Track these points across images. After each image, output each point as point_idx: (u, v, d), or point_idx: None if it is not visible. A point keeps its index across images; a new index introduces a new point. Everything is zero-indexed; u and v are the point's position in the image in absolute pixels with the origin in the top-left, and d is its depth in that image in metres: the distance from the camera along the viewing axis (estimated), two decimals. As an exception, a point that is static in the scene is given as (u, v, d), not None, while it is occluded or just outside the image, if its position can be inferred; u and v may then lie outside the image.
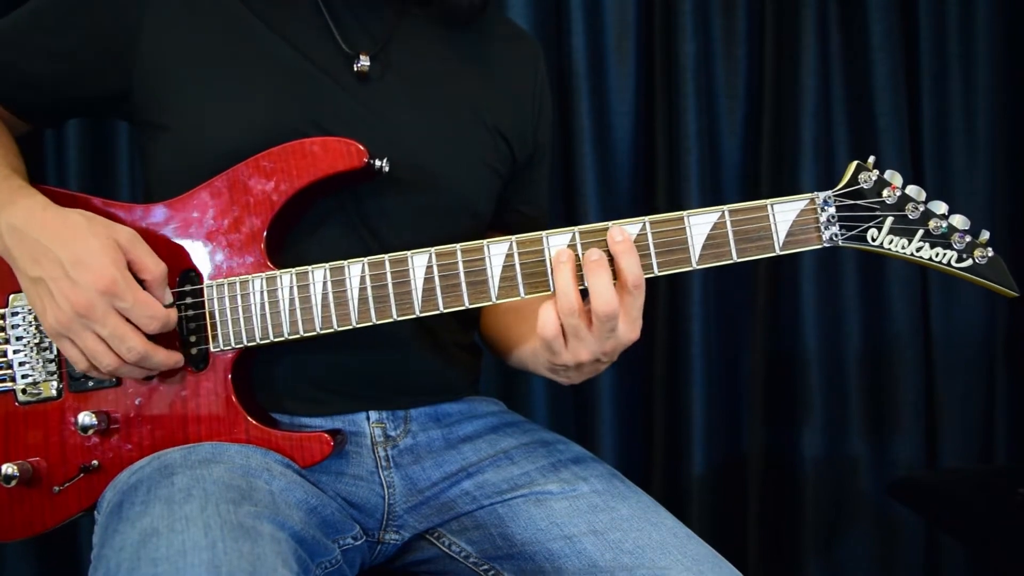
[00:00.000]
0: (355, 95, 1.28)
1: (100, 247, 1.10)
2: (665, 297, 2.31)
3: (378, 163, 1.20)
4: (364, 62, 1.29)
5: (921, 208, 1.11)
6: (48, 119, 1.40)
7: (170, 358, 1.17)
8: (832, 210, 1.12)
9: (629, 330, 1.10)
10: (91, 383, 1.21)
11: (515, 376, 2.33)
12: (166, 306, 1.16)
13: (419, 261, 1.14)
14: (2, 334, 1.23)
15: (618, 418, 2.34)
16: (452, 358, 1.39)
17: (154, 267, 1.15)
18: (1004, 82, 2.32)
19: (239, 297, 1.18)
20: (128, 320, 1.12)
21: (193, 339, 1.20)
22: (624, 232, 1.10)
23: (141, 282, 1.15)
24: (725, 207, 1.12)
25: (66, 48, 1.26)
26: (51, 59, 1.27)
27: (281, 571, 0.95)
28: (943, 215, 1.11)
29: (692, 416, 2.30)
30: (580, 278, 1.10)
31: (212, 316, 1.19)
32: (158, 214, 1.22)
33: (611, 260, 1.09)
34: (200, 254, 1.21)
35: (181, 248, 1.21)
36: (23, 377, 1.23)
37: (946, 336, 2.35)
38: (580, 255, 1.11)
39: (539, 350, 1.14)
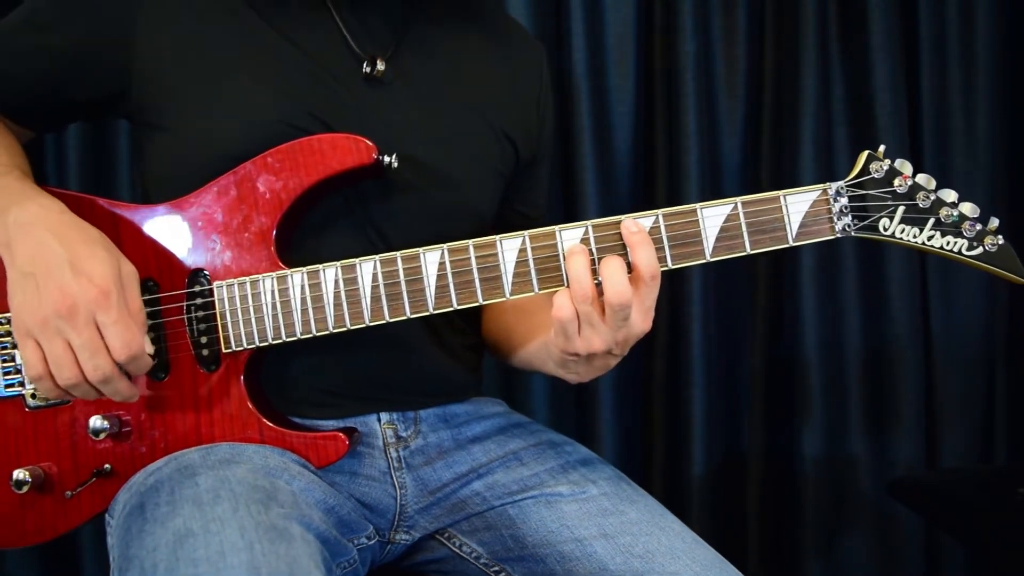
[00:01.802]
0: (360, 95, 1.27)
1: (106, 258, 1.08)
2: (665, 297, 2.31)
3: (387, 159, 1.19)
4: (380, 66, 1.28)
5: (932, 197, 1.11)
6: (47, 124, 1.37)
7: (131, 391, 1.13)
8: (844, 200, 1.12)
9: (642, 320, 1.09)
10: None
11: (516, 376, 2.33)
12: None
13: (431, 258, 1.13)
14: (9, 338, 1.21)
15: (618, 418, 2.35)
16: (458, 359, 1.39)
17: (138, 311, 1.11)
18: (1004, 82, 2.34)
19: (250, 297, 1.17)
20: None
21: (204, 340, 1.18)
22: (639, 224, 1.10)
23: None
24: (738, 199, 1.11)
25: (59, 49, 1.24)
26: (44, 60, 1.24)
27: (315, 573, 0.95)
28: (953, 203, 1.11)
29: (692, 416, 2.30)
30: (594, 272, 1.09)
31: (223, 316, 1.18)
32: (166, 214, 1.21)
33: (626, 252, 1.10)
34: (209, 254, 1.20)
35: (190, 248, 1.20)
36: None
37: (946, 336, 2.36)
38: (593, 250, 1.11)
39: (553, 337, 1.14)
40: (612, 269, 1.07)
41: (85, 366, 1.07)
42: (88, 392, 1.11)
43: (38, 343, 1.08)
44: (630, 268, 1.09)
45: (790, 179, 2.29)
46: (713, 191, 2.32)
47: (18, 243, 1.09)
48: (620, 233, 1.10)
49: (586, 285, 1.07)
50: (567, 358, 1.15)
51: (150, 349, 1.13)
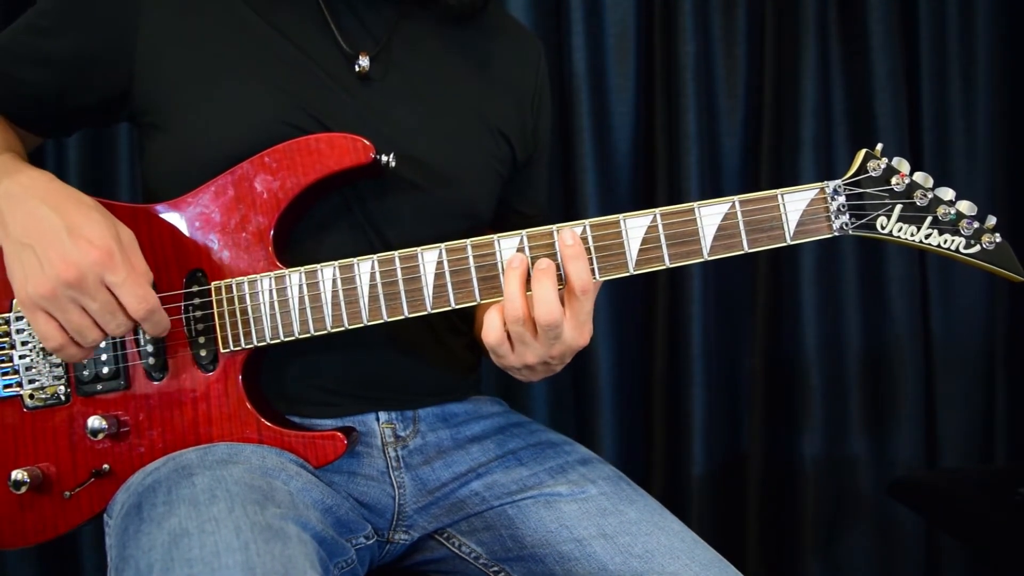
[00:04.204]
0: (356, 95, 1.27)
1: (102, 220, 1.07)
2: (665, 297, 2.31)
3: (385, 159, 1.19)
4: (364, 62, 1.28)
5: (929, 195, 1.11)
6: (51, 129, 1.36)
7: (161, 326, 1.13)
8: (842, 199, 1.12)
9: (577, 335, 1.10)
10: (100, 386, 1.19)
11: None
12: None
13: (429, 257, 1.13)
14: (7, 339, 1.21)
15: (618, 418, 2.35)
16: (457, 358, 1.39)
17: (144, 271, 1.11)
18: (1004, 82, 2.33)
19: (248, 297, 1.17)
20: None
21: (202, 340, 1.18)
22: (575, 236, 1.10)
23: None
24: (735, 197, 1.11)
25: (61, 53, 1.23)
26: (47, 65, 1.24)
27: (310, 573, 0.94)
28: (950, 201, 1.11)
29: (692, 416, 2.30)
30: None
31: (221, 316, 1.18)
32: (163, 214, 1.21)
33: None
34: (207, 254, 1.19)
35: (188, 248, 1.20)
36: (30, 382, 1.21)
37: (946, 336, 2.36)
38: (592, 248, 1.11)
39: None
40: (542, 287, 1.07)
41: (107, 327, 1.07)
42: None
43: (49, 314, 1.07)
44: (562, 280, 1.09)
45: (790, 179, 2.29)
46: (713, 191, 2.32)
47: (10, 215, 1.08)
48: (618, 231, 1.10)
49: (518, 305, 1.07)
50: (504, 367, 1.17)
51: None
